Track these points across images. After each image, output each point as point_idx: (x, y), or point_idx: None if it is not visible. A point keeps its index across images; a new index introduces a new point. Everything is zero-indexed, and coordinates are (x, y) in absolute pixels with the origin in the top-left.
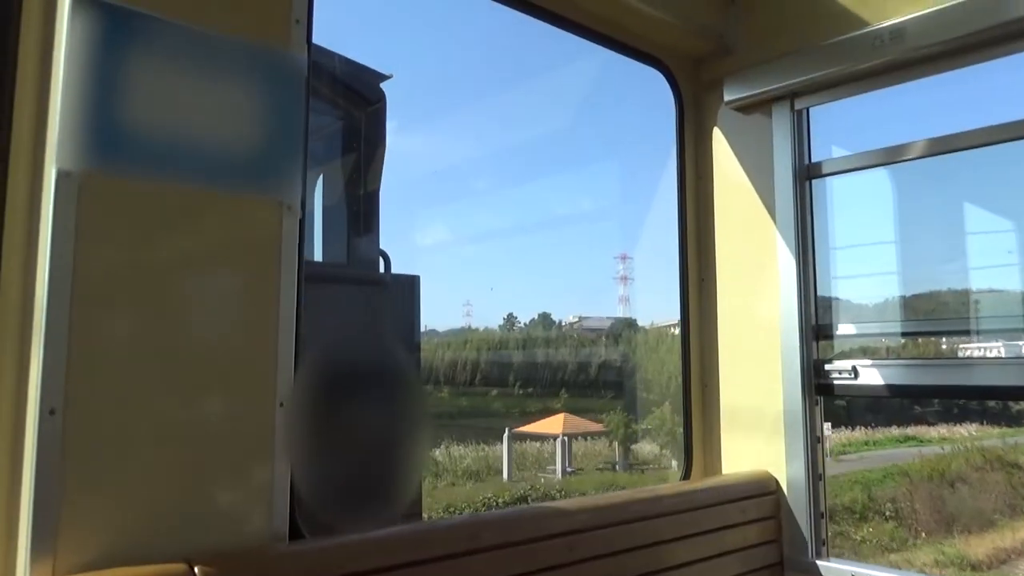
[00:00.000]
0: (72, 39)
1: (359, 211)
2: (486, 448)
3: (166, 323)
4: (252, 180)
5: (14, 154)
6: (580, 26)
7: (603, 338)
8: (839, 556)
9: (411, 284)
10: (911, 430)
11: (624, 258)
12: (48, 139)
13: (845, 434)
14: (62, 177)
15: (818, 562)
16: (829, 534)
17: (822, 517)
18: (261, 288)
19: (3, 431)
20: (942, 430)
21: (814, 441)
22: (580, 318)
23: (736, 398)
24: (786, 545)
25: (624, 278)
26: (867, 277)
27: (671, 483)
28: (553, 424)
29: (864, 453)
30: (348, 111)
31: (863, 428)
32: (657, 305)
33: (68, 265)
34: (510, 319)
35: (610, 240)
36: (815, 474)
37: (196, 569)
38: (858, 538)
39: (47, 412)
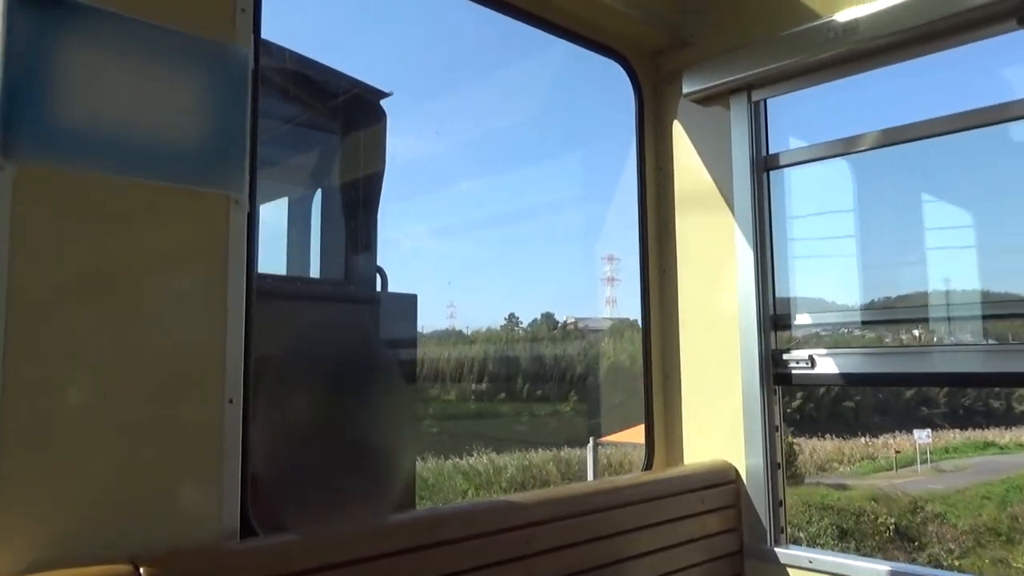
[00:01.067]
0: (8, 27)
1: (356, 228)
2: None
3: (110, 318)
4: (197, 173)
5: None
6: (539, 18)
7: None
8: (796, 543)
9: (410, 303)
10: (988, 434)
11: (611, 259)
12: None
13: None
14: None
15: (776, 549)
16: (787, 521)
17: (780, 505)
18: (209, 283)
19: None
20: (1009, 435)
21: (772, 430)
22: (575, 319)
23: (697, 388)
24: (746, 533)
25: (611, 279)
26: (824, 268)
27: (632, 474)
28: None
29: (955, 461)
30: (348, 128)
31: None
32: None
33: (3, 260)
34: (512, 320)
35: (581, 235)
36: (773, 463)
37: (141, 569)
38: None
39: None
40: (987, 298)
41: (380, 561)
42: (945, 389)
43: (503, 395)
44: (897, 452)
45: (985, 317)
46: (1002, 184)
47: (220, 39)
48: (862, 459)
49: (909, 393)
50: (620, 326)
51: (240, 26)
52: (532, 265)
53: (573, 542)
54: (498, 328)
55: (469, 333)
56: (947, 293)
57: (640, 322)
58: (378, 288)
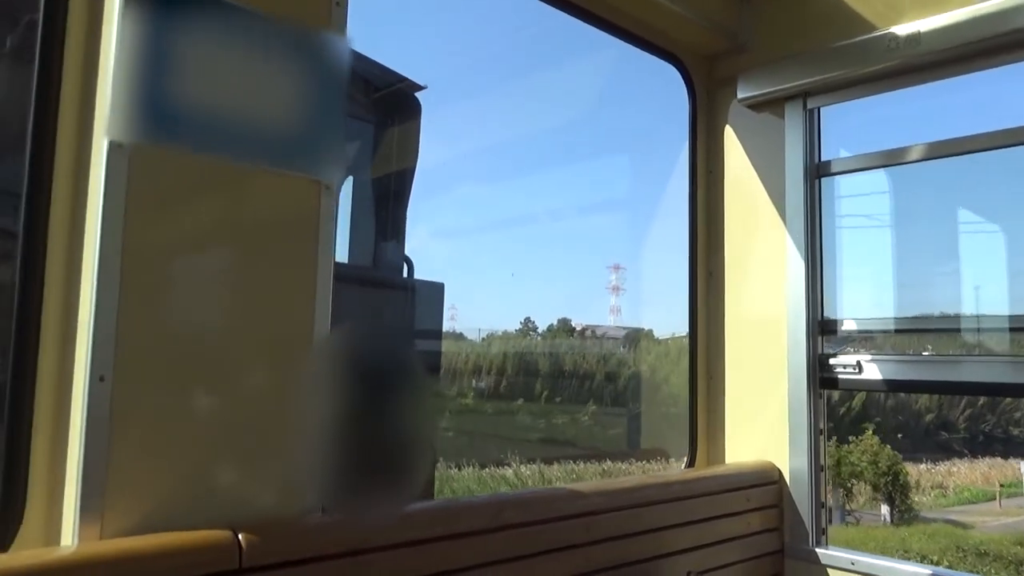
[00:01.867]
0: (124, 13)
1: (387, 217)
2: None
3: (211, 296)
4: (294, 158)
5: (61, 126)
6: (596, 17)
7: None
8: (838, 545)
9: (438, 290)
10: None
11: (617, 268)
12: (98, 111)
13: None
14: (114, 149)
15: (818, 550)
16: (829, 522)
17: (822, 507)
18: (302, 263)
19: (47, 397)
20: None
21: (816, 433)
22: (587, 327)
23: (741, 389)
24: (787, 533)
25: (616, 288)
26: (871, 275)
27: (677, 471)
28: None
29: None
30: (384, 119)
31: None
32: (655, 315)
33: (119, 234)
34: (527, 324)
35: (604, 243)
36: (817, 465)
37: (240, 536)
38: None
39: (97, 379)
40: (1016, 314)
41: (447, 541)
42: (966, 413)
43: (558, 399)
44: (1002, 485)
45: (1015, 330)
46: None
47: (320, 29)
48: (931, 487)
49: (929, 417)
50: (635, 335)
51: (335, 17)
52: (530, 269)
53: (626, 533)
54: (513, 332)
55: (482, 336)
56: (990, 303)
57: (687, 323)
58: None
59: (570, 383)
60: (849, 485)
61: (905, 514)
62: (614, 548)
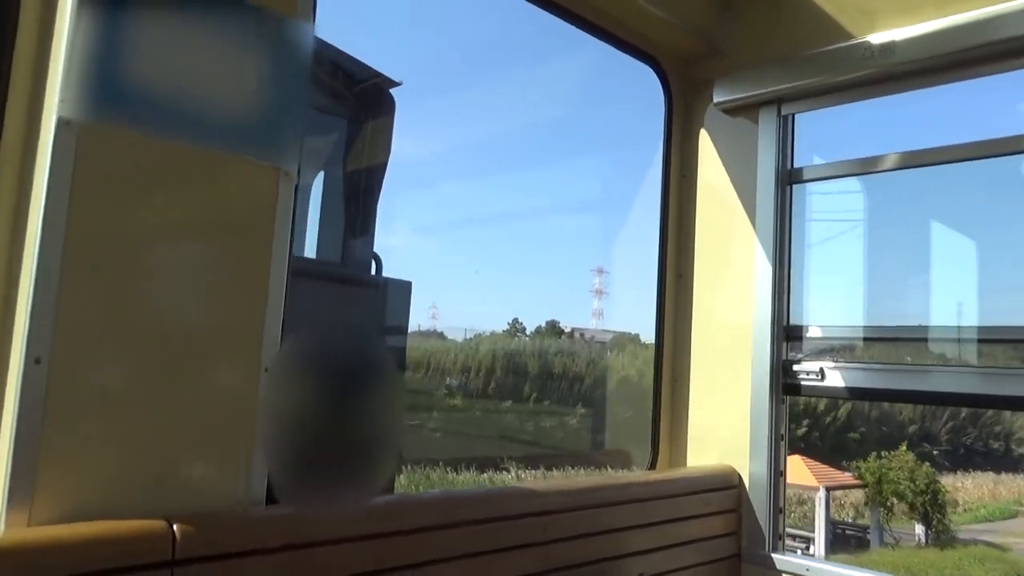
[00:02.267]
0: None
1: (356, 214)
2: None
3: (156, 281)
4: (252, 143)
5: (11, 100)
6: (577, 16)
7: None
8: (794, 551)
9: (405, 288)
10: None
11: (600, 272)
12: (48, 87)
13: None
14: (62, 126)
15: (774, 555)
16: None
17: (780, 512)
18: (255, 251)
19: None
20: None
21: (778, 439)
22: (576, 329)
23: (705, 393)
24: (744, 538)
25: (600, 291)
26: (838, 283)
27: (638, 472)
28: (790, 470)
29: None
30: (356, 114)
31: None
32: (637, 320)
33: (63, 213)
34: (515, 325)
35: (579, 243)
36: (776, 471)
37: (175, 527)
38: None
39: (32, 360)
40: (985, 323)
41: (395, 537)
42: (948, 425)
43: (547, 402)
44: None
45: (983, 341)
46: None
47: (284, 14)
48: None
49: (912, 428)
50: (622, 339)
51: (300, 3)
52: (514, 269)
53: (583, 533)
54: (500, 333)
55: (469, 336)
56: (954, 313)
57: (654, 324)
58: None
59: (559, 385)
60: (890, 504)
61: (942, 535)
62: (570, 548)
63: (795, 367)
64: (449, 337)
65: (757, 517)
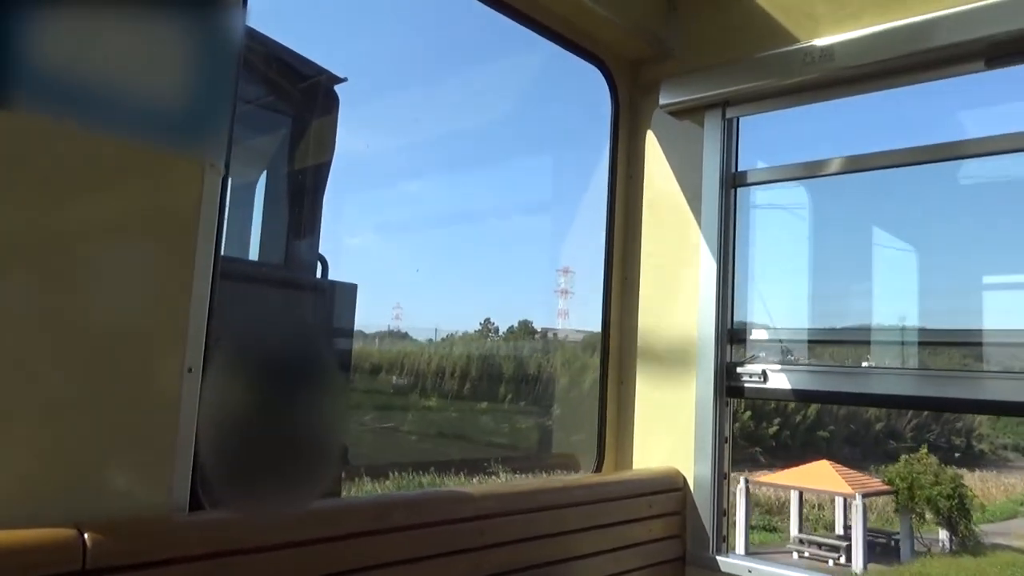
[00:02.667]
0: None
1: (300, 214)
2: None
3: (70, 279)
4: (176, 134)
5: None
6: (523, 15)
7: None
8: (737, 553)
9: (350, 291)
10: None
11: (566, 271)
12: None
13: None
14: None
15: (718, 558)
16: (729, 531)
17: (724, 515)
18: (177, 247)
19: None
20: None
21: (722, 441)
22: (545, 329)
23: (651, 396)
24: (689, 540)
25: (565, 291)
26: (780, 286)
27: (582, 475)
28: (817, 476)
29: None
30: (300, 111)
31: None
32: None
33: None
34: (487, 325)
35: (542, 242)
36: (720, 473)
37: (86, 535)
38: None
39: None
40: (926, 326)
41: (327, 544)
42: (912, 423)
43: (522, 403)
44: None
45: (924, 344)
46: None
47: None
48: None
49: (879, 426)
50: (593, 339)
51: None
52: (475, 270)
53: (521, 538)
54: (472, 333)
55: (440, 337)
56: (895, 318)
57: (600, 327)
58: (319, 276)
59: (534, 387)
60: (920, 510)
61: (967, 540)
62: (508, 553)
63: (738, 369)
64: (418, 338)
65: (702, 519)
